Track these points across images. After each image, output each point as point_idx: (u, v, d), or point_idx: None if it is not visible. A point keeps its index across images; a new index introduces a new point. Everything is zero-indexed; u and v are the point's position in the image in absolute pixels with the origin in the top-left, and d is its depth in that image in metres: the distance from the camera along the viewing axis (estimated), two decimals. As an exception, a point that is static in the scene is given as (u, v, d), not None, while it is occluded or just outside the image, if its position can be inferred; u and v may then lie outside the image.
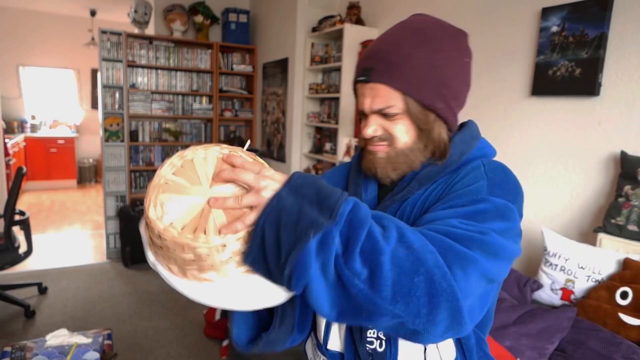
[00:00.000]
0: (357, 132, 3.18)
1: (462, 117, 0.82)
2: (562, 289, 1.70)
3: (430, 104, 0.70)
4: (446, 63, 0.71)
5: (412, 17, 0.77)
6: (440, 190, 0.73)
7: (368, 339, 0.74)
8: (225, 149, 0.63)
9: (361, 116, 0.77)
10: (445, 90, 0.71)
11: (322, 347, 0.81)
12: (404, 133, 0.72)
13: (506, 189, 0.70)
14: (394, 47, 0.69)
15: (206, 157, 0.63)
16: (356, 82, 0.75)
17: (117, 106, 3.98)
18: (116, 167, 4.03)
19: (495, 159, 0.79)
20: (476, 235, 0.59)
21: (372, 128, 0.73)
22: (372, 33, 3.18)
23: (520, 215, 0.70)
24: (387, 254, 0.52)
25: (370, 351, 0.74)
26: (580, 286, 1.65)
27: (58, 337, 1.67)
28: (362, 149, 0.81)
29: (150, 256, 0.68)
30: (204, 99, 4.43)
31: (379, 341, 0.74)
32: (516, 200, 0.69)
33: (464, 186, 0.69)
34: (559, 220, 2.03)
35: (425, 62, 0.69)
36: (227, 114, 4.49)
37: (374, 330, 0.74)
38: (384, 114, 0.71)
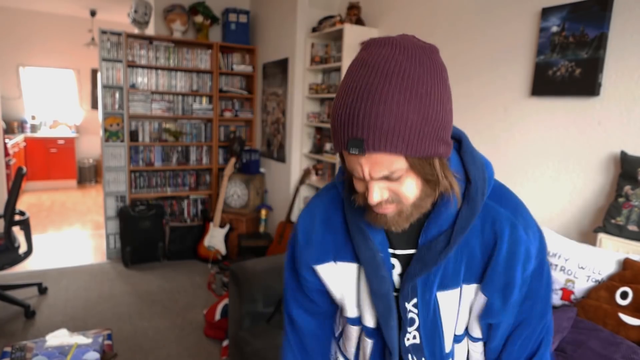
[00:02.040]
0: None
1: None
2: (562, 289, 1.70)
3: (434, 152, 0.65)
4: (436, 102, 0.62)
5: (374, 52, 0.63)
6: (482, 246, 0.75)
7: None
8: None
9: (352, 175, 0.71)
10: (443, 132, 0.65)
11: None
12: (412, 189, 0.68)
13: (533, 225, 0.77)
14: (382, 107, 0.60)
15: None
16: (342, 150, 0.66)
17: (117, 106, 3.98)
18: (116, 167, 4.03)
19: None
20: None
21: (378, 194, 0.67)
22: (372, 33, 3.18)
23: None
24: None
25: None
26: (580, 286, 1.65)
27: (58, 338, 1.67)
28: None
29: None
30: (204, 99, 4.44)
31: None
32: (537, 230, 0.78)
33: (512, 258, 0.73)
34: (559, 220, 2.04)
35: (420, 115, 0.61)
36: (227, 114, 4.49)
37: None
38: (387, 178, 0.66)
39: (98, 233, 4.79)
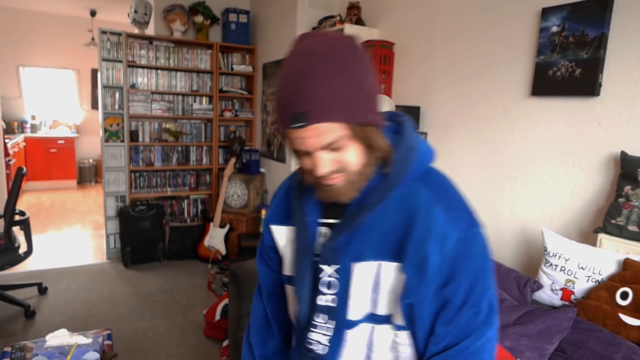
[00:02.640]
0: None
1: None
2: (562, 289, 1.70)
3: (367, 119, 0.73)
4: (363, 76, 0.73)
5: (307, 42, 0.75)
6: (399, 222, 0.77)
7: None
8: None
9: (298, 154, 0.77)
10: (372, 102, 0.75)
11: None
12: (355, 156, 0.74)
13: (459, 209, 0.79)
14: (318, 82, 0.69)
15: None
16: (287, 127, 0.72)
17: (117, 106, 3.98)
18: (116, 167, 4.03)
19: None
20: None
21: (325, 165, 0.74)
22: (372, 33, 3.18)
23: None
24: None
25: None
26: (581, 286, 1.65)
27: (58, 338, 1.67)
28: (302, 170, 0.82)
29: None
30: (204, 99, 4.43)
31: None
32: (473, 218, 0.80)
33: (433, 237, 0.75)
34: (559, 221, 2.03)
35: (351, 86, 0.70)
36: (227, 114, 4.49)
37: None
38: (331, 148, 0.73)
39: (98, 233, 4.79)
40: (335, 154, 0.73)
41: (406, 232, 0.76)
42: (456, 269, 0.76)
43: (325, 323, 0.83)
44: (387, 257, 0.78)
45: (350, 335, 0.82)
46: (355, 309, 0.81)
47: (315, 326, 0.84)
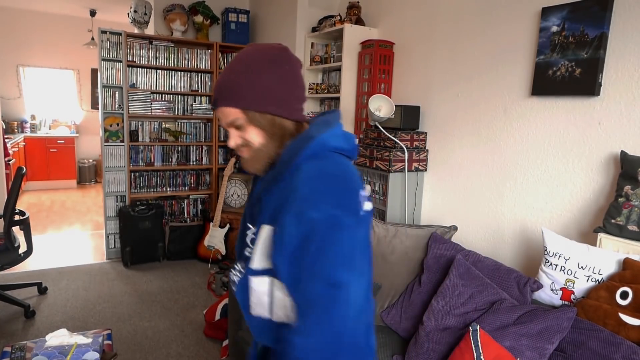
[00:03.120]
0: (357, 132, 3.18)
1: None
2: (562, 289, 1.70)
3: (263, 109, 0.90)
4: (263, 77, 0.89)
5: (242, 50, 0.97)
6: (283, 195, 0.88)
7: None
8: None
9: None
10: (273, 97, 0.90)
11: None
12: (255, 136, 0.93)
13: (330, 198, 0.84)
14: (226, 77, 0.91)
15: None
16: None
17: (117, 106, 3.98)
18: (116, 167, 4.03)
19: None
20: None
21: (232, 140, 0.96)
22: (372, 33, 3.18)
23: (356, 208, 0.86)
24: None
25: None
26: (580, 286, 1.65)
27: (58, 337, 1.67)
28: None
29: None
30: (204, 99, 4.43)
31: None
32: (340, 203, 0.84)
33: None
34: (559, 220, 2.04)
35: (248, 82, 0.89)
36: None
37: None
38: (236, 127, 0.93)
39: (98, 233, 4.79)
40: (240, 132, 0.94)
41: (282, 205, 0.87)
42: (297, 256, 0.83)
43: (241, 269, 1.00)
44: (267, 222, 0.91)
45: (254, 281, 0.94)
46: (257, 261, 0.93)
47: (235, 269, 1.03)
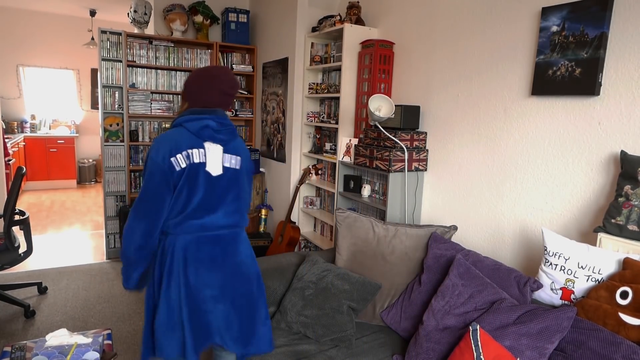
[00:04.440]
0: (357, 132, 3.18)
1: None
2: (562, 288, 1.70)
3: (182, 96, 1.75)
4: (189, 83, 1.71)
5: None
6: None
7: None
8: None
9: None
10: (186, 93, 1.72)
11: None
12: (180, 107, 1.79)
13: (155, 142, 1.61)
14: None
15: None
16: None
17: (117, 106, 3.98)
18: (116, 167, 4.03)
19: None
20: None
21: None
22: (372, 33, 3.18)
23: (159, 160, 1.56)
24: None
25: None
26: (580, 286, 1.65)
27: (58, 337, 1.67)
28: None
29: None
30: (204, 99, 4.43)
31: None
32: (152, 150, 1.59)
33: None
34: (559, 220, 2.04)
35: (185, 84, 1.72)
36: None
37: None
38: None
39: (98, 233, 4.78)
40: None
41: None
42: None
43: None
44: None
45: None
46: None
47: None
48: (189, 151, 1.57)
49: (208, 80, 1.65)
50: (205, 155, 1.61)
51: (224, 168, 1.67)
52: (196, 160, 1.59)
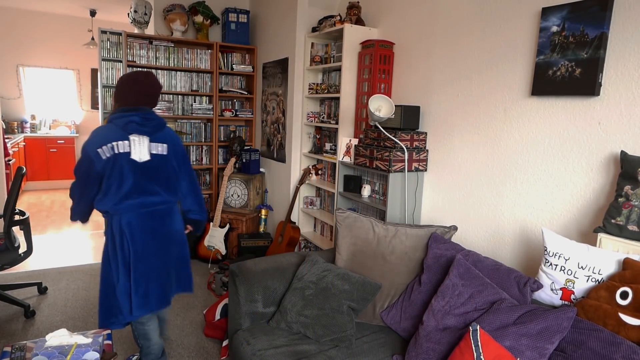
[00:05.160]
0: (357, 132, 3.18)
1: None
2: (562, 289, 1.70)
3: (113, 97, 2.10)
4: (117, 87, 2.07)
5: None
6: None
7: None
8: None
9: None
10: (115, 93, 2.08)
11: None
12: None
13: (91, 135, 1.97)
14: None
15: None
16: None
17: (117, 106, 3.98)
18: (116, 167, 4.02)
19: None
20: None
21: None
22: (372, 33, 3.18)
23: (88, 149, 1.94)
24: None
25: None
26: (580, 286, 1.65)
27: (58, 337, 1.66)
28: None
29: None
30: (204, 99, 4.43)
31: None
32: (86, 142, 1.95)
33: None
34: (559, 220, 2.04)
35: (115, 87, 2.09)
36: (227, 114, 4.49)
37: None
38: None
39: (98, 233, 4.78)
40: None
41: None
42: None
43: None
44: None
45: None
46: None
47: None
48: (114, 143, 1.95)
49: (131, 84, 2.04)
50: (130, 146, 1.98)
51: (152, 155, 2.05)
52: (121, 151, 1.96)
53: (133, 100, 2.03)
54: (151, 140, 2.05)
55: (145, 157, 2.02)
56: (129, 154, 1.98)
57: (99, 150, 1.93)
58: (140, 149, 2.01)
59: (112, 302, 2.04)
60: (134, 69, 2.11)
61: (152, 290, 2.05)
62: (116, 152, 1.95)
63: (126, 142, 1.97)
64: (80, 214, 2.08)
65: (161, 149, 2.09)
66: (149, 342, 2.24)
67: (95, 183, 1.98)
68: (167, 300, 2.12)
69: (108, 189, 1.96)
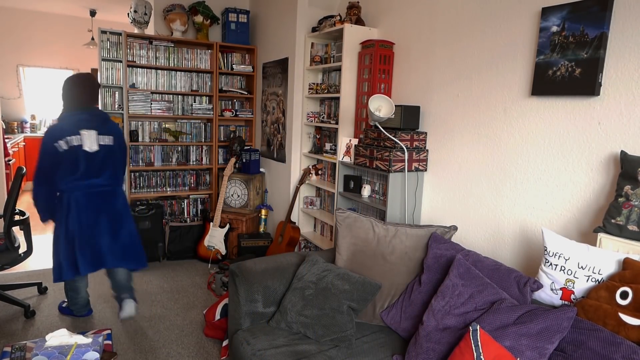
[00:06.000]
0: (357, 132, 3.18)
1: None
2: (562, 288, 1.70)
3: (61, 98, 2.57)
4: (62, 90, 2.55)
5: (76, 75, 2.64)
6: None
7: None
8: None
9: None
10: (62, 94, 2.56)
11: None
12: None
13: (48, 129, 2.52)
14: None
15: None
16: None
17: (117, 106, 3.98)
18: (116, 167, 4.02)
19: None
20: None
21: None
22: (371, 33, 3.18)
23: (47, 143, 2.47)
24: None
25: None
26: (580, 286, 1.65)
27: (58, 337, 1.67)
28: None
29: None
30: (204, 99, 4.43)
31: None
32: (45, 136, 2.48)
33: None
34: (559, 220, 2.04)
35: (61, 91, 2.60)
36: (227, 114, 4.49)
37: None
38: None
39: (98, 233, 4.78)
40: None
41: None
42: None
43: None
44: None
45: None
46: None
47: None
48: (68, 138, 2.47)
49: (72, 86, 2.53)
50: (81, 139, 2.51)
51: (100, 146, 2.57)
52: (75, 144, 2.49)
53: (77, 100, 2.54)
54: (99, 134, 2.57)
55: (95, 147, 2.55)
56: (81, 146, 2.50)
57: (56, 144, 2.45)
58: (90, 141, 2.53)
59: (58, 262, 2.60)
60: (71, 75, 2.59)
61: (85, 256, 2.57)
62: (70, 145, 2.48)
63: (78, 136, 2.50)
64: (43, 208, 2.61)
65: (108, 140, 2.62)
66: (77, 295, 2.80)
67: (55, 172, 2.50)
68: (96, 267, 2.62)
69: (64, 174, 2.50)
